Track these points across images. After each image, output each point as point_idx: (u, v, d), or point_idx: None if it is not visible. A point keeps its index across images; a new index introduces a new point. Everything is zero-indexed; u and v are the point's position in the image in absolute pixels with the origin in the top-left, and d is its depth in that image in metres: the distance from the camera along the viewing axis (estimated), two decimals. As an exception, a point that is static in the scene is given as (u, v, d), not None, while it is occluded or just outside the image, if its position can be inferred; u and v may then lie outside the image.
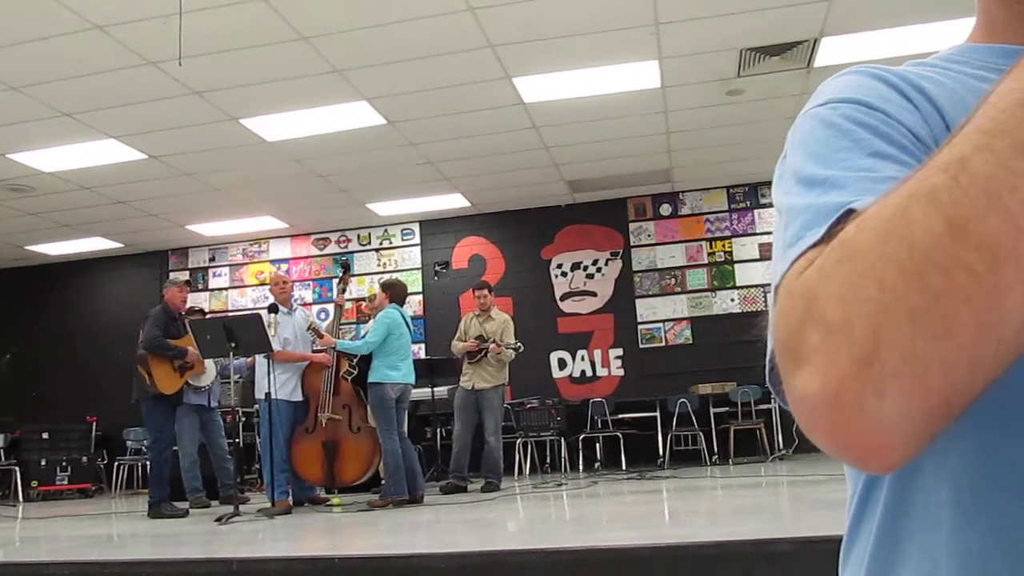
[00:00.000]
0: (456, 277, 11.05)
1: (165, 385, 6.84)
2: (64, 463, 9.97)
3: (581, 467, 9.36)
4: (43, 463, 9.83)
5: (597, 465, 9.44)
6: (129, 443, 10.27)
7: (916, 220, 0.43)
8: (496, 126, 8.14)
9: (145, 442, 8.99)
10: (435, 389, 8.83)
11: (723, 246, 10.58)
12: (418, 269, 11.25)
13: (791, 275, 0.50)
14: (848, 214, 0.50)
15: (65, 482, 9.93)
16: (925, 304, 0.42)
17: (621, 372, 10.55)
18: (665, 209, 10.78)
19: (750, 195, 10.61)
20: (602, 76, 7.11)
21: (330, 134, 8.02)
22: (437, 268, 11.22)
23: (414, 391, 7.27)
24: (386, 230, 11.44)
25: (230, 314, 10.14)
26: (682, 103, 7.84)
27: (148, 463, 7.73)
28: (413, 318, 9.02)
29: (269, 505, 6.59)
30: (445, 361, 8.75)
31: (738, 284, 10.47)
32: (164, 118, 7.39)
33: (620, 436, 9.24)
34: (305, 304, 10.87)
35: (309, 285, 11.54)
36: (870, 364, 0.43)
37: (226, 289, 11.80)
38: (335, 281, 9.57)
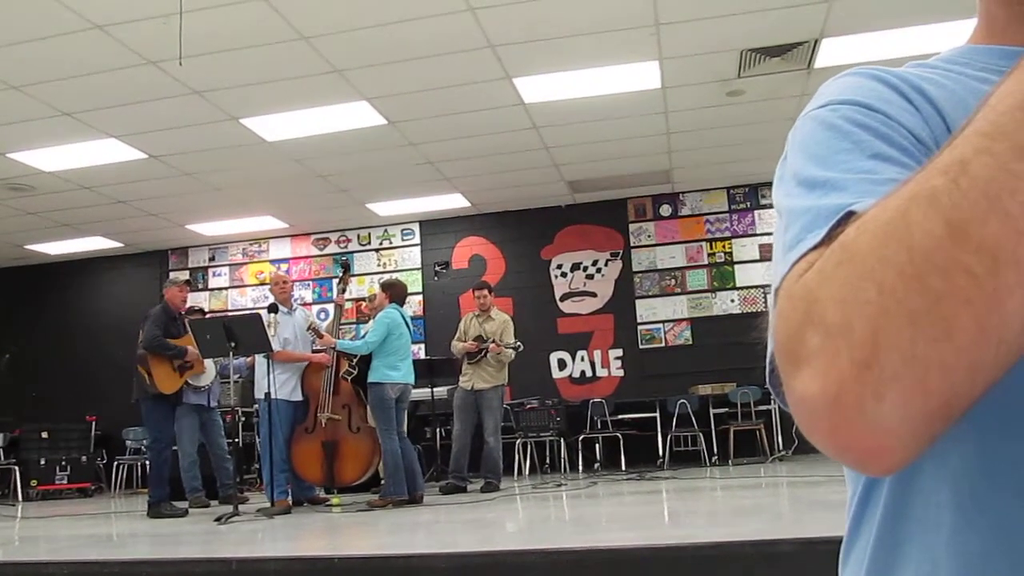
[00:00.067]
0: (456, 277, 11.05)
1: (165, 385, 6.84)
2: (64, 463, 9.97)
3: (581, 468, 9.36)
4: (43, 462, 9.83)
5: (597, 466, 9.44)
6: (129, 443, 10.28)
7: (916, 223, 0.43)
8: (496, 126, 8.14)
9: (144, 442, 8.99)
10: (435, 389, 8.83)
11: (723, 247, 10.58)
12: (418, 269, 11.26)
13: (791, 277, 0.50)
14: (848, 216, 0.50)
15: (64, 482, 9.93)
16: (925, 307, 0.42)
17: (621, 373, 10.55)
18: (665, 210, 10.78)
19: (750, 196, 10.61)
20: (602, 77, 7.11)
21: (330, 134, 8.02)
22: (437, 268, 11.22)
23: (414, 391, 7.27)
24: (386, 230, 11.45)
25: (230, 314, 10.14)
26: (682, 104, 7.84)
27: (148, 463, 7.73)
28: (413, 318, 9.02)
29: (268, 505, 6.59)
30: (445, 361, 8.75)
31: (738, 285, 10.47)
32: (164, 118, 7.39)
33: (620, 437, 9.24)
34: (305, 304, 10.87)
35: (309, 285, 11.54)
36: (870, 367, 0.43)
37: (226, 289, 11.80)
38: (335, 281, 9.57)
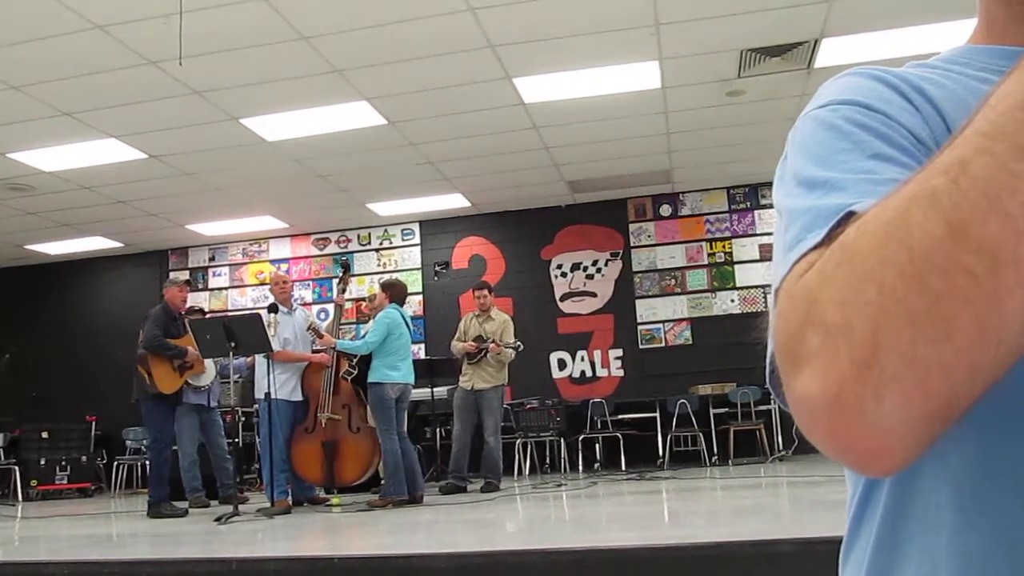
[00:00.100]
0: (456, 277, 11.05)
1: (165, 385, 6.84)
2: (64, 463, 9.97)
3: (581, 468, 9.36)
4: (43, 462, 9.83)
5: (597, 466, 9.44)
6: (129, 443, 10.28)
7: (916, 223, 0.43)
8: (496, 126, 8.14)
9: (145, 442, 8.99)
10: (435, 389, 8.83)
11: (723, 247, 10.58)
12: (418, 269, 11.26)
13: (791, 278, 0.50)
14: (848, 216, 0.50)
15: (65, 482, 9.93)
16: (925, 307, 0.42)
17: (621, 373, 10.55)
18: (665, 210, 10.78)
19: (750, 196, 10.61)
20: (602, 77, 7.11)
21: (330, 134, 8.02)
22: (437, 268, 11.22)
23: (414, 391, 7.27)
24: (386, 230, 11.45)
25: (230, 314, 10.14)
26: (682, 104, 7.84)
27: (148, 463, 7.73)
28: (413, 318, 9.02)
29: (268, 505, 6.59)
30: (445, 361, 8.75)
31: (738, 285, 10.47)
32: (164, 118, 7.39)
33: (620, 437, 9.24)
34: (305, 304, 10.87)
35: (309, 285, 11.54)
36: (870, 367, 0.43)
37: (226, 289, 11.80)
38: (335, 281, 9.57)
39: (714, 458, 9.22)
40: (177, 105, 7.15)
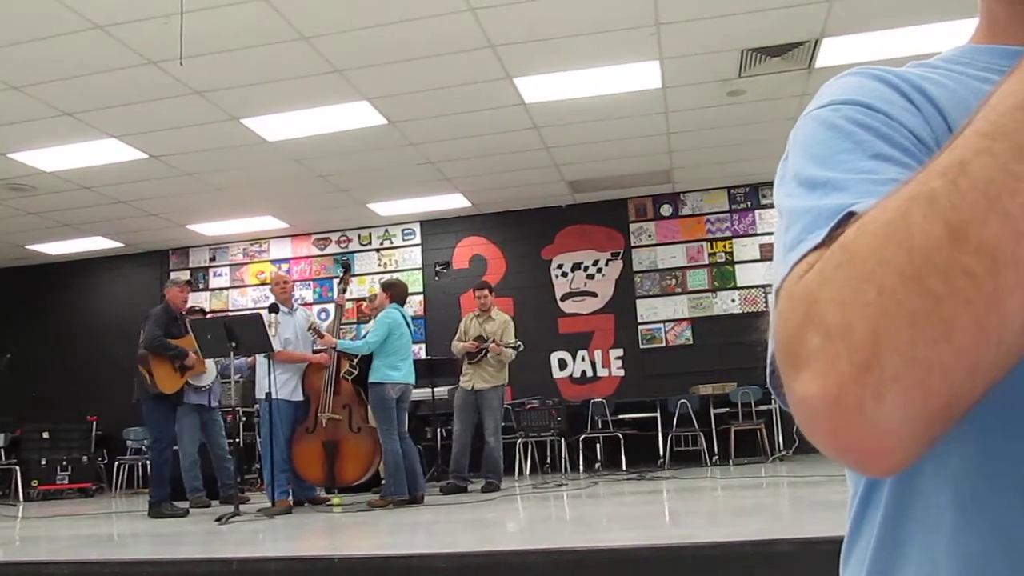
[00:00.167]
0: (457, 277, 11.05)
1: (166, 385, 6.84)
2: (64, 463, 9.97)
3: (581, 467, 9.36)
4: (43, 463, 9.83)
5: (597, 465, 9.44)
6: (129, 443, 10.28)
7: (915, 224, 0.43)
8: (497, 126, 8.14)
9: (145, 442, 8.99)
10: (435, 389, 8.83)
11: (724, 247, 10.58)
12: (419, 269, 11.26)
13: (792, 278, 0.50)
14: (849, 217, 0.50)
15: (65, 482, 9.93)
16: (925, 308, 0.42)
17: (621, 372, 10.55)
18: (666, 210, 10.78)
19: (751, 196, 10.61)
20: (603, 77, 7.11)
21: (331, 134, 8.02)
22: (438, 268, 11.22)
23: (414, 391, 7.27)
24: (387, 230, 11.45)
25: (231, 314, 10.15)
26: (683, 104, 7.84)
27: (148, 463, 7.73)
28: (414, 318, 9.02)
29: (269, 505, 6.59)
30: (445, 361, 8.75)
31: (739, 285, 10.47)
32: (165, 118, 7.39)
33: (620, 436, 9.24)
34: (306, 304, 10.87)
35: (310, 285, 11.54)
36: (870, 368, 0.43)
37: (227, 289, 11.81)
38: (336, 281, 9.57)
39: (715, 458, 9.22)
40: (178, 105, 7.15)
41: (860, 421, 0.43)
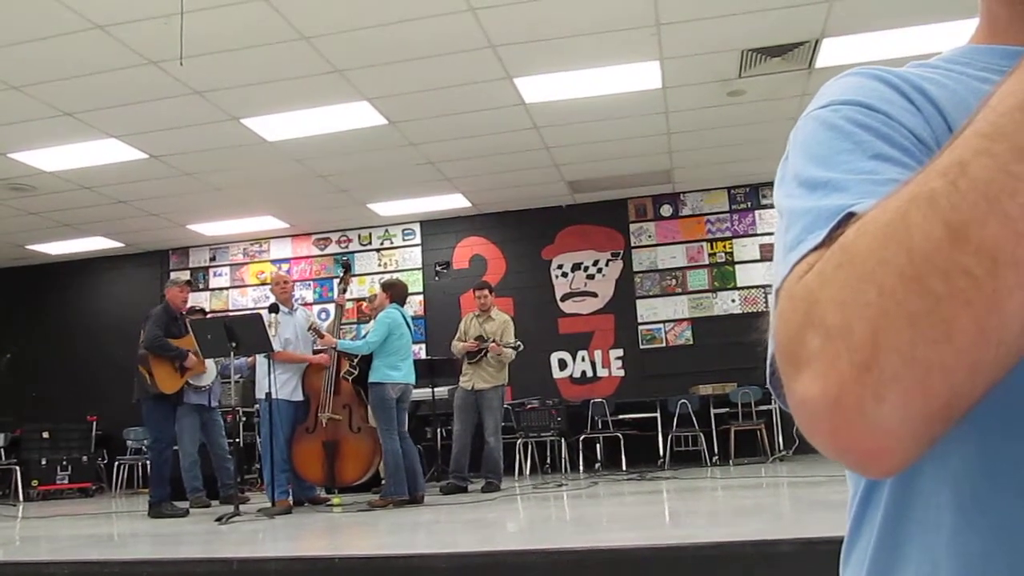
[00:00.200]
0: (457, 277, 11.05)
1: (166, 385, 6.84)
2: (64, 462, 9.97)
3: (581, 468, 9.36)
4: (43, 462, 9.83)
5: (597, 466, 9.44)
6: (129, 443, 10.28)
7: (915, 225, 0.43)
8: (497, 126, 8.14)
9: (145, 442, 8.99)
10: (435, 389, 8.83)
11: (724, 247, 10.58)
12: (419, 269, 11.26)
13: (792, 279, 0.50)
14: (849, 217, 0.50)
15: (65, 481, 9.94)
16: (925, 308, 0.42)
17: (621, 373, 10.55)
18: (666, 210, 10.78)
19: (751, 196, 10.61)
20: (603, 77, 7.11)
21: (331, 134, 8.02)
22: (438, 268, 11.22)
23: (414, 391, 7.27)
24: (387, 230, 11.45)
25: (231, 314, 10.15)
26: (683, 104, 7.84)
27: (148, 463, 7.73)
28: (414, 318, 9.02)
29: (269, 505, 6.59)
30: (445, 361, 8.75)
31: (739, 285, 10.47)
32: (165, 118, 7.39)
33: (620, 437, 9.24)
34: (306, 304, 10.87)
35: (310, 285, 11.54)
36: (870, 368, 0.43)
37: (227, 289, 11.81)
38: (336, 281, 9.57)
39: (715, 458, 9.22)
40: (178, 105, 7.15)
41: (860, 421, 0.43)
